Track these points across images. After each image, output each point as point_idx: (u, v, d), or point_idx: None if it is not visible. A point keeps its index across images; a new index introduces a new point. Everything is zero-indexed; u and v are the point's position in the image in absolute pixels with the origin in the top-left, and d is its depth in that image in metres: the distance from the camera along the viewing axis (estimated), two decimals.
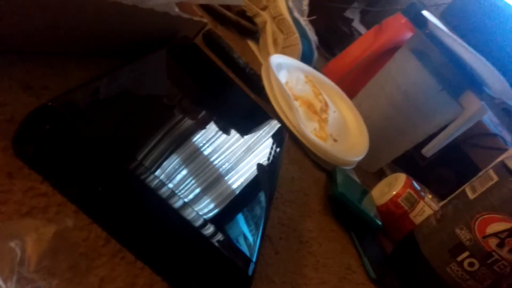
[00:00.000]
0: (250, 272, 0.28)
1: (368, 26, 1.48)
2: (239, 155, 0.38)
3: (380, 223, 0.54)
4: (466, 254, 0.50)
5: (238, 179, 0.35)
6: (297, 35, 0.77)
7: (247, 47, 0.81)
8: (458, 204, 0.53)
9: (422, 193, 0.64)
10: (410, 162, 0.91)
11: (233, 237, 0.30)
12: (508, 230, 0.48)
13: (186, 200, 0.28)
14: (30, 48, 0.33)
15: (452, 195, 0.56)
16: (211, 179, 0.33)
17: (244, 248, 0.30)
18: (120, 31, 0.39)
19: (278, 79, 0.63)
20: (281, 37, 0.79)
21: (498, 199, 0.49)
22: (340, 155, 0.64)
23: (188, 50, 0.46)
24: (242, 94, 0.50)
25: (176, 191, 0.28)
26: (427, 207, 0.62)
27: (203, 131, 0.37)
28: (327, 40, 1.38)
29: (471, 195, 0.52)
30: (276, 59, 0.69)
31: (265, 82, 0.64)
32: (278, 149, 0.45)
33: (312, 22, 0.99)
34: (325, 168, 0.64)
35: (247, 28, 0.81)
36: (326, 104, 0.74)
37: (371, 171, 0.82)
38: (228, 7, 0.76)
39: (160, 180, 0.27)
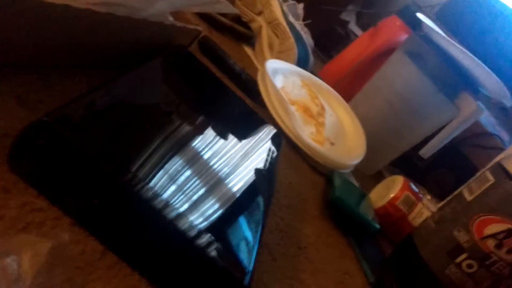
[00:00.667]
0: (246, 281, 0.28)
1: (364, 28, 1.48)
2: (235, 162, 0.38)
3: (378, 226, 0.54)
4: (464, 256, 0.50)
5: (234, 186, 0.35)
6: (292, 39, 0.77)
7: (243, 53, 0.82)
8: (456, 206, 0.53)
9: (420, 195, 0.64)
10: (409, 164, 0.92)
11: (230, 246, 0.30)
12: (506, 231, 0.48)
13: (181, 210, 0.28)
14: (23, 61, 0.33)
15: (450, 197, 0.56)
16: (207, 187, 0.33)
17: (241, 257, 0.30)
18: (114, 42, 0.40)
19: (274, 84, 0.63)
20: (277, 42, 0.79)
21: (495, 200, 0.49)
22: (337, 158, 0.65)
23: (183, 59, 0.46)
24: (237, 100, 0.50)
25: (171, 202, 0.28)
26: (425, 209, 0.62)
27: (198, 139, 0.37)
28: (323, 43, 1.39)
29: (468, 197, 0.52)
30: (272, 64, 0.69)
31: (261, 88, 0.65)
32: (274, 155, 0.46)
33: (308, 25, 0.99)
34: (323, 172, 0.64)
35: (243, 33, 0.82)
36: (323, 108, 0.75)
37: (369, 173, 0.82)
38: (223, 13, 0.77)
39: (155, 191, 0.28)
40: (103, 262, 0.26)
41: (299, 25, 0.85)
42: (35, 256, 0.21)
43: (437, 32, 0.70)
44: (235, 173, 0.37)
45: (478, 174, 0.55)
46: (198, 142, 0.37)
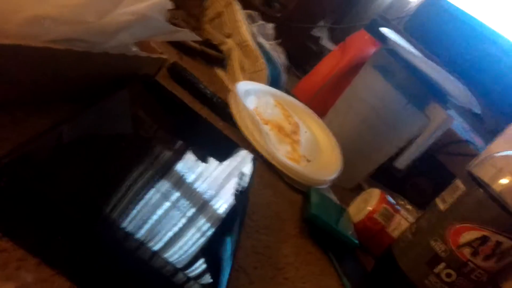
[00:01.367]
0: None
1: (337, 42, 1.51)
2: (205, 189, 0.38)
3: (356, 241, 0.54)
4: (442, 265, 0.50)
5: (204, 213, 0.35)
6: (262, 60, 0.78)
7: (215, 75, 0.82)
8: (431, 217, 0.53)
9: (398, 207, 0.65)
10: (387, 175, 0.92)
11: (200, 274, 0.30)
12: (480, 239, 0.49)
13: (148, 242, 0.28)
14: None
15: (426, 209, 0.57)
16: (175, 216, 0.33)
17: (213, 283, 0.29)
18: (78, 76, 0.40)
19: (245, 106, 0.64)
20: (248, 63, 0.80)
21: (467, 208, 0.50)
22: (313, 175, 0.65)
23: (149, 88, 0.46)
24: (208, 125, 0.51)
25: (138, 234, 0.28)
26: (403, 220, 0.63)
27: (167, 168, 0.37)
28: (297, 60, 1.41)
29: (442, 207, 0.53)
30: (243, 85, 0.70)
31: (233, 109, 0.65)
32: (247, 177, 0.46)
33: (281, 44, 1.01)
34: (301, 189, 0.64)
35: (213, 56, 0.82)
36: (297, 126, 0.75)
37: (348, 187, 0.83)
38: None
39: (120, 223, 0.27)
40: None
41: (269, 45, 0.86)
42: None
43: (402, 46, 0.71)
44: (205, 199, 0.37)
45: (451, 184, 0.55)
46: (166, 171, 0.36)
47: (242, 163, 0.47)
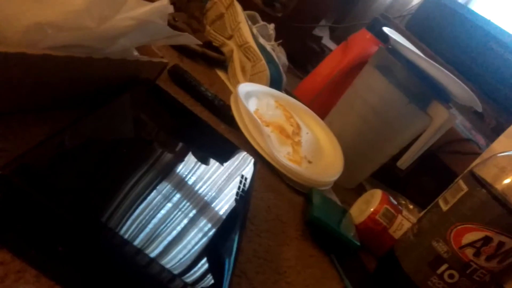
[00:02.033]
0: None
1: (338, 41, 1.51)
2: (206, 193, 0.38)
3: (358, 243, 0.54)
4: (445, 266, 0.50)
5: (204, 219, 0.35)
6: (263, 61, 0.78)
7: (217, 77, 0.82)
8: (433, 217, 0.53)
9: (400, 207, 0.65)
10: (389, 174, 0.92)
11: (201, 282, 0.30)
12: (483, 239, 0.48)
13: (149, 249, 0.28)
14: None
15: (427, 209, 0.57)
16: (175, 224, 0.33)
17: None
18: (78, 82, 0.40)
19: (246, 108, 0.64)
20: (249, 65, 0.80)
21: (469, 209, 0.50)
22: (315, 177, 0.65)
23: (150, 93, 0.46)
24: (208, 128, 0.51)
25: (138, 242, 0.28)
26: (405, 220, 0.63)
27: (167, 172, 0.37)
28: (299, 60, 1.41)
29: (444, 207, 0.52)
30: (244, 87, 0.70)
31: (234, 112, 0.65)
32: (247, 180, 0.46)
33: (282, 44, 1.01)
34: (302, 191, 0.64)
35: (215, 58, 0.82)
36: (298, 127, 0.75)
37: (350, 187, 0.83)
38: None
39: (121, 234, 0.27)
40: None
41: (270, 46, 0.86)
42: None
43: (403, 45, 0.71)
44: (205, 204, 0.37)
45: (452, 184, 0.55)
46: (167, 176, 0.37)
47: (242, 167, 0.47)
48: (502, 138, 0.81)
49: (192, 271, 0.30)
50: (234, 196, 0.41)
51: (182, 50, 0.77)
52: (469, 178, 0.52)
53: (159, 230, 0.30)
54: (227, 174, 0.43)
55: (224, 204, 0.39)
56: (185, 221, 0.33)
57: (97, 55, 0.38)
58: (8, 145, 0.33)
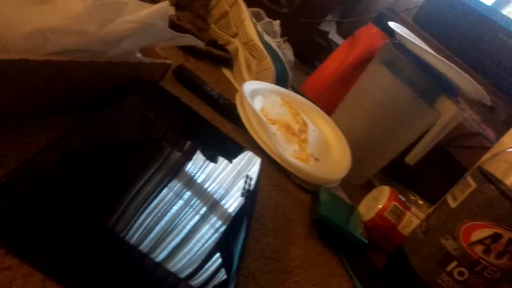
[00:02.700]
0: None
1: (345, 36, 1.49)
2: (211, 193, 0.38)
3: (366, 241, 0.54)
4: (454, 263, 0.50)
5: (210, 219, 0.35)
6: (269, 59, 0.78)
7: (222, 76, 0.82)
8: (441, 214, 0.53)
9: (408, 204, 0.64)
10: (398, 170, 0.92)
11: (207, 283, 0.30)
12: (492, 236, 0.48)
13: (155, 253, 0.28)
14: None
15: (435, 205, 0.56)
16: (181, 224, 0.33)
17: None
18: (82, 86, 0.40)
19: (252, 106, 0.64)
20: (254, 62, 0.80)
21: (478, 205, 0.49)
22: (322, 174, 0.65)
23: (154, 94, 0.46)
24: (213, 129, 0.50)
25: (142, 247, 0.28)
26: (414, 217, 0.62)
27: (173, 174, 0.37)
28: (306, 56, 1.40)
29: (452, 204, 0.52)
30: (250, 85, 0.70)
31: (240, 111, 0.65)
32: (253, 180, 0.46)
33: (288, 40, 1.00)
34: (309, 189, 0.64)
35: (220, 56, 0.82)
36: (305, 124, 0.75)
37: (358, 184, 0.82)
38: (199, 38, 0.77)
39: (126, 235, 0.28)
40: None
41: (275, 43, 0.86)
42: None
43: (409, 40, 0.70)
44: (211, 204, 0.37)
45: (460, 180, 0.55)
46: (172, 178, 0.37)
47: (248, 166, 0.47)
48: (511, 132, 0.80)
49: (198, 272, 0.30)
50: (240, 196, 0.41)
51: (187, 49, 0.77)
52: (477, 174, 0.51)
53: (164, 232, 0.30)
54: (232, 174, 0.43)
55: (229, 205, 0.39)
56: (191, 222, 0.33)
57: (100, 58, 0.38)
58: (12, 150, 0.33)
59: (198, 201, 0.36)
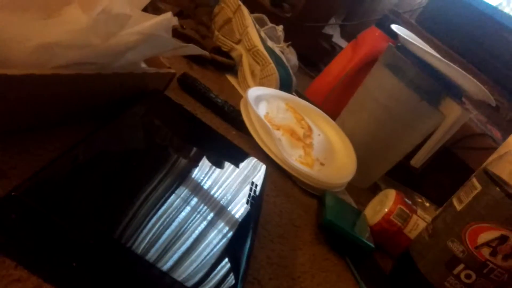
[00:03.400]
0: None
1: (348, 39, 1.50)
2: (216, 202, 0.39)
3: (372, 245, 0.54)
4: (461, 266, 0.50)
5: (215, 227, 0.36)
6: (272, 64, 0.78)
7: (227, 82, 0.83)
8: (447, 217, 0.53)
9: (414, 207, 0.64)
10: (404, 172, 0.92)
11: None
12: (498, 238, 0.48)
13: (161, 263, 0.28)
14: None
15: (441, 208, 0.56)
16: (187, 233, 0.33)
17: None
18: (88, 97, 0.40)
19: (256, 112, 0.64)
20: (258, 68, 0.80)
21: (484, 207, 0.49)
22: (327, 179, 0.65)
23: (159, 104, 0.47)
24: (217, 136, 0.51)
25: (153, 252, 0.28)
26: (420, 220, 0.62)
27: (178, 183, 0.38)
28: (310, 59, 1.40)
29: (458, 206, 0.52)
30: (254, 92, 0.70)
31: (244, 117, 0.65)
32: (258, 187, 0.46)
33: (292, 44, 1.01)
34: (315, 193, 0.64)
35: (224, 63, 0.83)
36: (310, 129, 0.75)
37: (364, 187, 0.82)
38: (203, 46, 0.78)
39: (134, 246, 0.28)
40: None
41: (279, 48, 0.86)
42: None
43: (412, 43, 0.71)
44: (217, 211, 0.37)
45: (466, 182, 0.55)
46: (177, 186, 0.37)
47: (253, 173, 0.48)
48: None
49: (205, 279, 0.30)
50: (245, 203, 0.41)
51: (191, 57, 0.77)
52: (483, 176, 0.51)
53: (172, 240, 0.31)
54: (238, 181, 0.44)
55: (236, 211, 0.39)
56: (198, 229, 0.34)
57: (105, 70, 0.39)
58: (21, 162, 0.34)
59: (205, 208, 0.36)
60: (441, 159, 0.92)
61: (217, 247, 0.34)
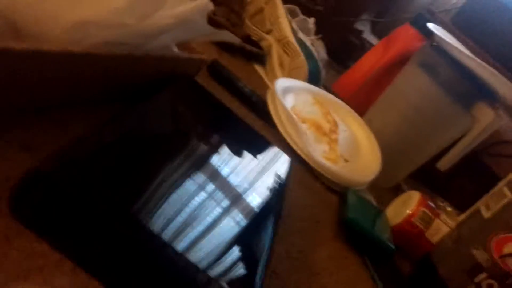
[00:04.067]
0: None
1: (379, 36, 1.47)
2: (241, 189, 0.38)
3: (393, 247, 0.53)
4: (484, 275, 0.49)
5: (239, 215, 0.35)
6: (302, 57, 0.77)
7: (254, 72, 0.82)
8: (473, 224, 0.52)
9: (438, 211, 0.63)
10: (427, 175, 0.90)
11: (234, 277, 0.30)
12: None
13: (184, 245, 0.28)
14: (26, 105, 0.34)
15: (467, 213, 0.55)
16: (210, 218, 0.33)
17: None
18: (119, 78, 0.40)
19: (283, 104, 0.63)
20: (287, 60, 0.79)
21: None
22: (351, 176, 0.64)
23: (189, 89, 0.47)
24: (245, 126, 0.51)
25: (174, 239, 0.28)
26: (443, 225, 0.61)
27: (204, 168, 0.37)
28: (339, 54, 1.38)
29: (486, 214, 0.51)
30: (282, 83, 0.69)
31: (271, 108, 0.65)
32: (282, 178, 0.46)
33: (322, 38, 0.99)
34: (337, 190, 0.64)
35: (253, 52, 0.82)
36: (336, 124, 0.74)
37: (387, 187, 0.81)
38: (233, 33, 0.77)
39: (158, 229, 0.28)
40: None
41: (309, 41, 0.85)
42: None
43: (448, 43, 0.69)
44: (241, 201, 0.37)
45: (495, 188, 0.53)
46: (203, 172, 0.37)
47: (278, 165, 0.47)
48: None
49: (225, 268, 0.30)
50: (269, 194, 0.41)
51: (221, 44, 0.77)
52: None
53: (192, 225, 0.30)
54: (262, 172, 0.43)
55: (258, 202, 0.39)
56: (221, 217, 0.33)
57: (137, 52, 0.39)
58: (49, 139, 0.34)
59: (228, 196, 0.36)
60: (467, 164, 0.89)
61: (239, 236, 0.34)
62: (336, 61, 1.34)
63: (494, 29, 1.11)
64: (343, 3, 1.29)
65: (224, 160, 0.41)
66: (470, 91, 0.69)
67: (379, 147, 0.73)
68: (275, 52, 0.81)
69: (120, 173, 0.31)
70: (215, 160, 0.40)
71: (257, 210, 0.38)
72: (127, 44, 0.39)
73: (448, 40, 0.71)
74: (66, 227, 0.27)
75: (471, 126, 0.70)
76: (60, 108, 0.37)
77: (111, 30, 0.36)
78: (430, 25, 0.75)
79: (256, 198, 0.39)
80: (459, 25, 1.17)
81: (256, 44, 0.84)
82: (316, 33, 0.95)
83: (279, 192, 0.43)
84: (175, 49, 0.48)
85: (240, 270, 0.31)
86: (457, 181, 0.93)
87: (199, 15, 0.39)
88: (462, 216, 0.56)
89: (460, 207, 0.84)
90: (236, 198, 0.37)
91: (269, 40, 0.83)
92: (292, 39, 0.79)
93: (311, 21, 0.93)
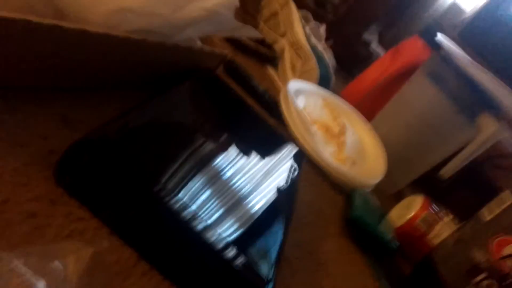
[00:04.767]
0: None
1: (386, 47, 1.50)
2: (258, 179, 0.40)
3: (396, 246, 0.55)
4: (483, 275, 0.51)
5: (257, 202, 0.37)
6: (314, 60, 0.80)
7: (267, 74, 0.84)
8: (475, 226, 0.54)
9: (441, 214, 0.65)
10: (430, 183, 0.92)
11: (252, 260, 0.32)
12: None
13: (208, 223, 0.30)
14: (66, 84, 0.36)
15: (470, 218, 0.57)
16: (232, 201, 0.35)
17: (262, 272, 0.31)
18: (148, 65, 0.43)
19: (296, 105, 0.66)
20: (299, 62, 0.82)
21: None
22: (357, 178, 0.66)
23: (210, 82, 0.49)
24: (261, 121, 0.53)
25: (199, 215, 0.30)
26: (445, 229, 0.63)
27: (224, 157, 0.39)
28: (346, 63, 1.41)
29: (487, 216, 0.53)
30: (294, 84, 0.72)
31: (283, 108, 0.67)
32: (296, 173, 0.47)
33: (330, 46, 1.02)
34: (343, 190, 0.65)
35: (266, 55, 0.84)
36: (344, 127, 0.76)
37: (390, 192, 0.83)
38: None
39: (185, 205, 0.30)
40: (137, 269, 0.28)
41: (321, 46, 0.88)
42: (79, 261, 0.24)
43: (457, 53, 0.71)
44: (258, 190, 0.39)
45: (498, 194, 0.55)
46: (224, 161, 0.39)
47: (292, 158, 0.49)
48: None
49: (245, 252, 0.31)
50: (284, 185, 0.43)
51: (237, 45, 0.79)
52: None
53: (219, 208, 0.32)
54: (278, 164, 0.45)
55: (275, 192, 0.41)
56: (242, 203, 0.35)
57: (169, 41, 0.41)
58: (85, 117, 0.36)
59: (247, 185, 0.38)
60: (468, 174, 0.92)
61: (261, 222, 0.36)
62: (342, 69, 1.36)
63: (500, 46, 1.14)
64: (354, 14, 1.31)
65: (245, 152, 0.42)
66: (476, 102, 0.72)
67: (385, 153, 0.75)
68: (288, 55, 0.84)
69: (151, 152, 0.33)
70: (236, 150, 0.42)
71: (275, 198, 0.40)
72: (156, 34, 0.41)
73: (456, 51, 0.73)
74: (105, 196, 0.29)
75: (474, 136, 0.73)
76: (93, 90, 0.39)
77: (146, 18, 0.38)
78: (439, 36, 0.78)
79: (274, 189, 0.41)
80: (466, 40, 1.20)
81: (269, 46, 0.86)
82: (326, 40, 0.97)
83: (294, 184, 0.45)
84: (199, 42, 0.50)
85: (261, 249, 0.33)
86: (457, 190, 0.95)
87: (228, 9, 0.42)
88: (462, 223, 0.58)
89: (459, 217, 0.86)
90: (254, 187, 0.39)
91: (282, 43, 0.85)
92: (305, 43, 0.82)
93: (323, 27, 0.96)
